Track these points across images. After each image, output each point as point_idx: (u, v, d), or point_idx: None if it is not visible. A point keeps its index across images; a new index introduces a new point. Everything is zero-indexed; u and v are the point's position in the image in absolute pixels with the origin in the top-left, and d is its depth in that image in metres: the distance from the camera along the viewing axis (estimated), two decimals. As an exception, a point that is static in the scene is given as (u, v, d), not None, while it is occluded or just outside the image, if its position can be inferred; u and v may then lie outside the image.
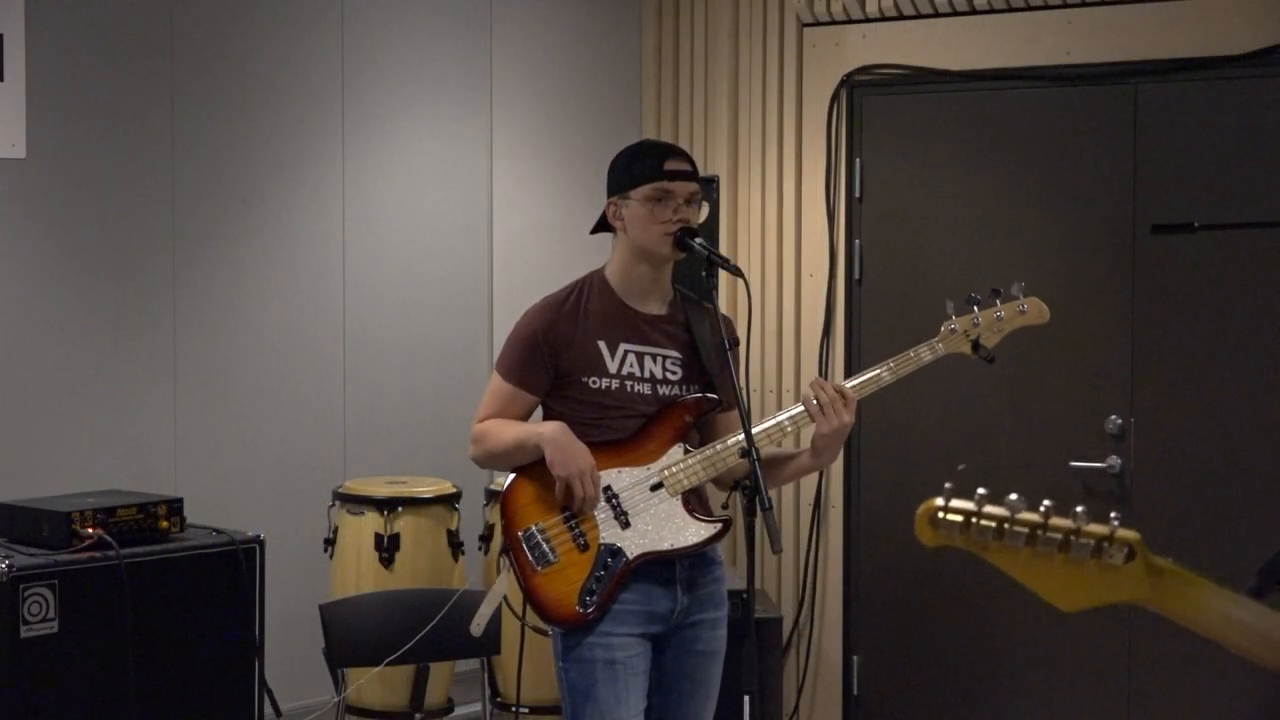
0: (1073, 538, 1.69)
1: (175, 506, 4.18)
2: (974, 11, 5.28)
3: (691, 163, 3.46)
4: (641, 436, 3.40)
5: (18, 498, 4.15)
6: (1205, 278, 5.02)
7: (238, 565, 4.18)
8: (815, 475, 5.50)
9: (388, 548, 4.82)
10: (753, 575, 3.31)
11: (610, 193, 3.46)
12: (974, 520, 1.70)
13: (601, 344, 3.41)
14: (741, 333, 3.60)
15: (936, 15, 5.34)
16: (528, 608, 3.45)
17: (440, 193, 5.61)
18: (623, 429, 3.39)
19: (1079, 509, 1.70)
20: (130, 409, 4.83)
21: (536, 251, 5.77)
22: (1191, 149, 5.02)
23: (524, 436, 3.38)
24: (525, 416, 3.47)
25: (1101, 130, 5.16)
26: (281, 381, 5.19)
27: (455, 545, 4.96)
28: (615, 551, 3.34)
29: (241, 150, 5.07)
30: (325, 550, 4.94)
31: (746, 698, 3.35)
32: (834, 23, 5.54)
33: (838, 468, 5.50)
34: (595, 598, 3.32)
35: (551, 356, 3.41)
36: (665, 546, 3.36)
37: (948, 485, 1.72)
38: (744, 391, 3.36)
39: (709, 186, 4.72)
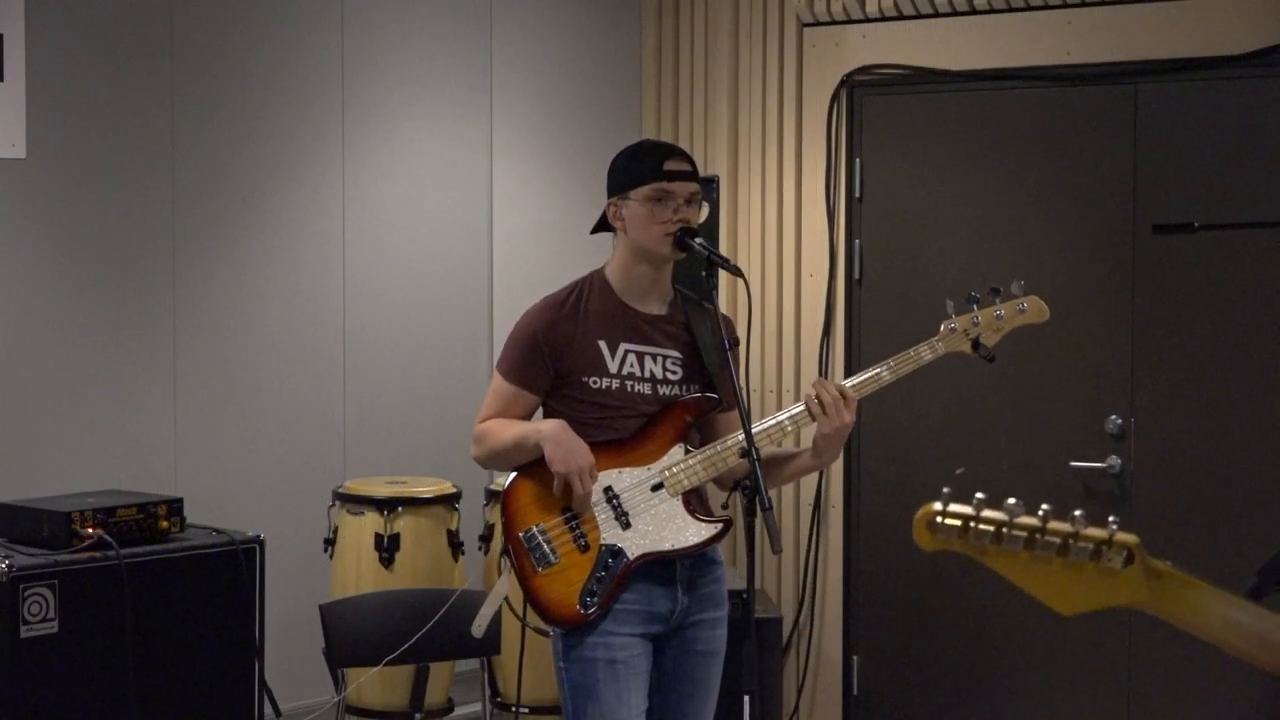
0: (1071, 541, 1.69)
1: (175, 506, 4.18)
2: (974, 11, 5.28)
3: (691, 163, 3.46)
4: (642, 437, 3.40)
5: (18, 498, 4.15)
6: (1205, 278, 5.02)
7: (238, 565, 4.18)
8: (815, 475, 5.50)
9: (388, 548, 4.82)
10: (753, 575, 3.31)
11: (610, 193, 3.46)
12: (972, 525, 1.70)
13: (602, 344, 3.41)
14: (741, 333, 3.60)
15: (936, 15, 5.34)
16: (528, 608, 3.45)
17: (440, 193, 5.61)
18: (623, 429, 3.39)
19: (1077, 513, 1.70)
20: (130, 409, 4.83)
21: (536, 251, 5.77)
22: (1191, 149, 5.02)
23: (524, 435, 3.38)
24: (527, 416, 3.48)
25: (1101, 130, 5.16)
26: (281, 381, 5.20)
27: (455, 545, 4.96)
28: (616, 552, 3.34)
29: (241, 150, 5.07)
30: (325, 550, 4.94)
31: (746, 698, 3.35)
32: (834, 23, 5.54)
33: (838, 468, 5.50)
34: (596, 598, 3.32)
35: (552, 356, 3.41)
36: (666, 547, 3.36)
37: (945, 490, 1.72)
38: (744, 391, 3.36)
39: (709, 186, 4.72)
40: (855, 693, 5.59)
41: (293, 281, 5.22)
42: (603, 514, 3.36)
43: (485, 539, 5.08)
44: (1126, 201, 5.10)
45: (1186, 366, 5.05)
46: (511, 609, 4.32)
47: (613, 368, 3.41)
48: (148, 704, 3.96)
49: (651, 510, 3.37)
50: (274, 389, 5.17)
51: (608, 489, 3.36)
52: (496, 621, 3.92)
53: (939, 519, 1.70)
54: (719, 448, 3.38)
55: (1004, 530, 1.69)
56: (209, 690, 4.16)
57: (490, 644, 4.15)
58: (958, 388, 5.26)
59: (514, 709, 4.87)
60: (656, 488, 3.38)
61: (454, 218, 5.64)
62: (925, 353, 3.42)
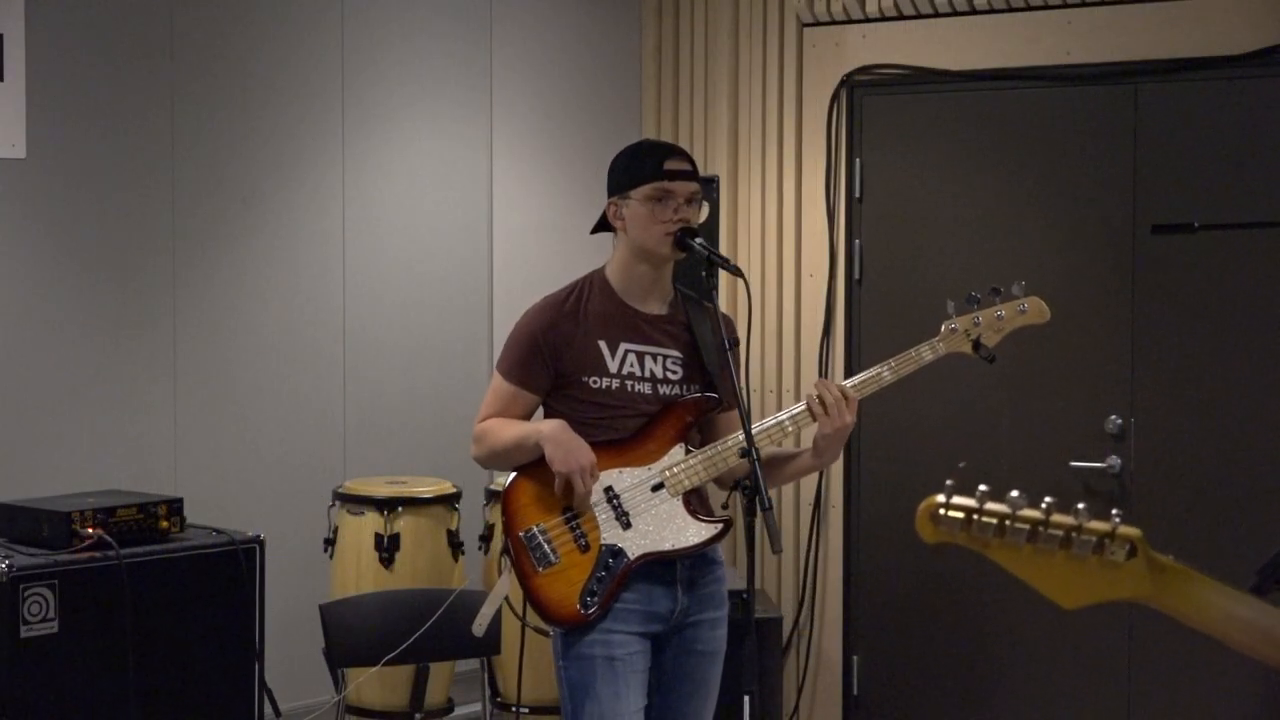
0: (1074, 534, 1.68)
1: (175, 506, 4.18)
2: (974, 11, 5.28)
3: (691, 162, 3.46)
4: (642, 436, 3.40)
5: (18, 498, 4.15)
6: (1205, 278, 5.02)
7: (238, 565, 4.18)
8: (815, 475, 5.49)
9: (388, 548, 4.82)
10: (753, 575, 3.31)
11: (610, 193, 3.46)
12: (975, 517, 1.70)
13: (602, 344, 3.41)
14: (741, 333, 3.59)
15: (936, 15, 5.34)
16: (528, 608, 3.45)
17: (440, 193, 5.61)
18: (623, 429, 3.39)
19: (1080, 506, 1.70)
20: (130, 409, 4.83)
21: (536, 251, 5.77)
22: (1191, 149, 5.02)
23: (524, 434, 3.38)
24: (527, 416, 3.47)
25: (1101, 130, 5.16)
26: (281, 381, 5.19)
27: (455, 545, 4.96)
28: (616, 552, 3.34)
29: (241, 150, 5.07)
30: (325, 550, 4.94)
31: (746, 698, 3.35)
32: (834, 23, 5.54)
33: (838, 468, 5.50)
34: (596, 598, 3.32)
35: (552, 356, 3.41)
36: (666, 547, 3.36)
37: (949, 482, 1.71)
38: (744, 391, 3.36)
39: (709, 186, 4.72)
40: (855, 693, 5.59)
41: (293, 281, 5.22)
42: (603, 514, 3.35)
43: (485, 539, 5.07)
44: (1126, 202, 5.10)
45: (1186, 366, 5.05)
46: (511, 608, 4.32)
47: (613, 367, 3.40)
48: (148, 704, 3.96)
49: (652, 510, 3.36)
50: (274, 389, 5.17)
51: (608, 489, 3.36)
52: (497, 621, 3.92)
53: (942, 511, 1.70)
54: (719, 448, 3.38)
55: (1007, 523, 1.69)
56: (209, 690, 4.15)
57: (490, 644, 4.15)
58: (958, 388, 5.26)
59: (514, 709, 4.87)
60: (657, 488, 3.37)
61: (454, 218, 5.64)
62: (926, 353, 3.42)
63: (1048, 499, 1.70)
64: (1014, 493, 1.70)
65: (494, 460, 3.55)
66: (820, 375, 5.50)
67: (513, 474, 3.42)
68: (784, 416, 3.38)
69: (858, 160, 5.54)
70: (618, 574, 3.33)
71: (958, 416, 5.35)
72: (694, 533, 3.38)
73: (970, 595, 5.31)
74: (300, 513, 5.04)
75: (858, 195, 5.53)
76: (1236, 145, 4.95)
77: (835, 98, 5.54)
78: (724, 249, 5.60)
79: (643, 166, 3.42)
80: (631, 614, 3.35)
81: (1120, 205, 5.11)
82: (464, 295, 5.66)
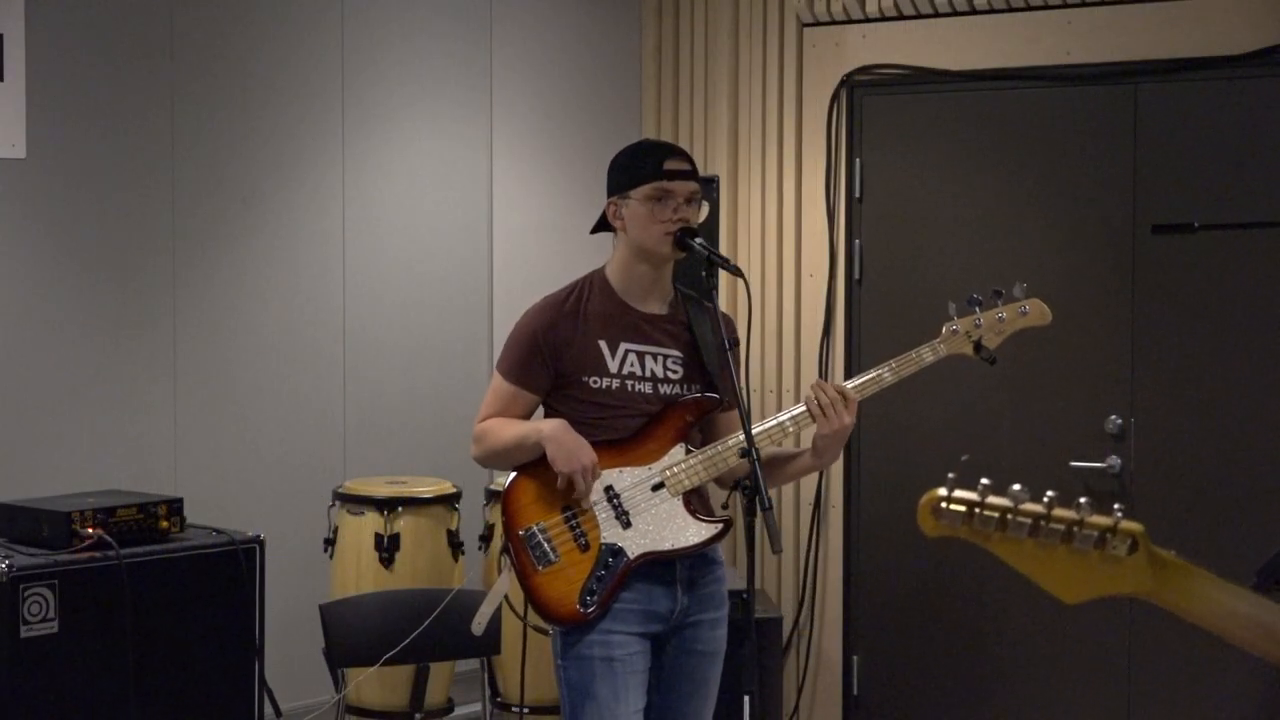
0: (1076, 529, 1.68)
1: (175, 506, 4.18)
2: (974, 11, 5.28)
3: (691, 162, 3.46)
4: (643, 436, 3.39)
5: (18, 498, 4.15)
6: (1205, 278, 5.02)
7: (238, 565, 4.18)
8: (815, 475, 5.49)
9: (388, 548, 4.82)
10: (753, 575, 3.31)
11: (610, 192, 3.46)
12: (977, 510, 1.70)
13: (602, 344, 3.41)
14: (741, 333, 3.59)
15: (936, 15, 5.34)
16: (529, 607, 3.45)
17: (440, 193, 5.61)
18: (624, 428, 3.39)
19: (1082, 500, 1.70)
20: (130, 409, 4.83)
21: (536, 251, 5.77)
22: (1191, 149, 5.02)
23: (524, 434, 3.38)
24: (527, 416, 3.47)
25: (1101, 130, 5.16)
26: (281, 381, 5.19)
27: (455, 545, 4.96)
28: (616, 551, 3.34)
29: (241, 150, 5.07)
30: (325, 550, 4.94)
31: (746, 698, 3.35)
32: (834, 23, 5.55)
33: (838, 468, 5.50)
34: (596, 598, 3.32)
35: (552, 356, 3.41)
36: (666, 546, 3.36)
37: (951, 475, 1.71)
38: (744, 391, 3.36)
39: (709, 186, 4.72)
40: (855, 693, 5.59)
41: (293, 281, 5.22)
42: (603, 513, 3.35)
43: (485, 539, 5.07)
44: (1126, 202, 5.10)
45: (1186, 366, 5.05)
46: (511, 608, 4.32)
47: (613, 367, 3.40)
48: (148, 704, 3.96)
49: (652, 510, 3.36)
50: (274, 389, 5.17)
51: (608, 488, 3.36)
52: (496, 620, 3.92)
53: (944, 504, 1.70)
54: (720, 448, 3.38)
55: (1009, 517, 1.68)
56: (209, 690, 4.15)
57: (490, 643, 4.15)
58: (958, 388, 5.26)
59: (514, 709, 4.87)
60: (657, 487, 3.37)
61: (454, 218, 5.64)
62: (927, 354, 3.42)
63: (1050, 493, 1.70)
64: (1016, 486, 1.70)
65: (494, 460, 3.55)
66: (820, 375, 5.50)
67: (513, 473, 3.42)
68: (784, 417, 3.38)
69: (858, 160, 5.54)
70: (617, 573, 3.33)
71: (958, 417, 5.34)
72: (694, 532, 3.38)
73: (970, 595, 5.31)
74: (300, 513, 5.04)
75: (858, 195, 5.53)
76: (1236, 145, 4.95)
77: (835, 98, 5.54)
78: (724, 249, 5.60)
79: (642, 166, 3.42)
80: (631, 614, 3.35)
81: (1120, 205, 5.11)
82: (464, 295, 5.66)
